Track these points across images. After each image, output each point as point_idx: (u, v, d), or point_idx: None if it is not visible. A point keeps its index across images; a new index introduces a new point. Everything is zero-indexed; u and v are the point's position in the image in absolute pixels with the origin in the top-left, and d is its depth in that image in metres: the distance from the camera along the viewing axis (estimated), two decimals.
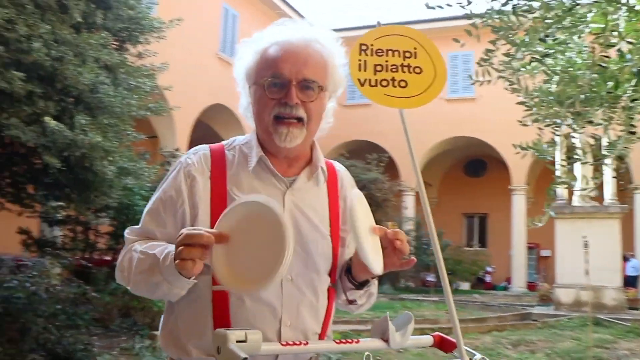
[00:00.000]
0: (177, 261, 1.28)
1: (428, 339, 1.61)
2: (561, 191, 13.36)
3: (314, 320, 1.55)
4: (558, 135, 3.47)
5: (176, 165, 1.60)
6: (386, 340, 1.47)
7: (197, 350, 1.48)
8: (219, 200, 1.49)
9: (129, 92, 7.64)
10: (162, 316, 1.60)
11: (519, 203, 19.84)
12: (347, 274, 1.62)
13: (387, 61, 1.79)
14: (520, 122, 3.20)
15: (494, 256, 22.22)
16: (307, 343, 1.38)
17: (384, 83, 1.77)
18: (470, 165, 24.61)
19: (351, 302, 1.66)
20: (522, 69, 2.92)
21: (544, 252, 21.25)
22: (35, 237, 8.99)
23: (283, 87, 1.51)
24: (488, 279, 21.85)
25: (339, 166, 1.77)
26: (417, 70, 1.80)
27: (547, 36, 2.86)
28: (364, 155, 19.86)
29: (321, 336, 1.58)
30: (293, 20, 1.63)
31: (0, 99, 6.18)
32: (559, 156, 3.29)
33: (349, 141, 22.34)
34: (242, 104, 1.65)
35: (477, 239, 24.28)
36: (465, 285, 20.79)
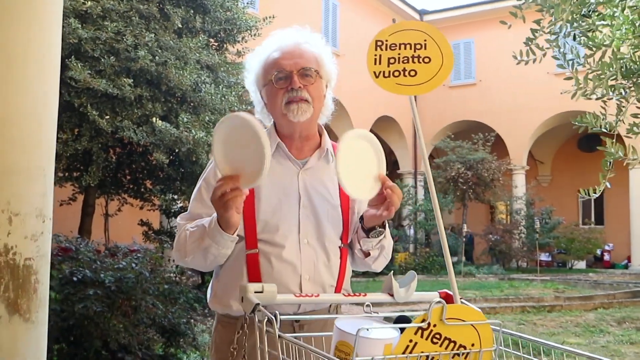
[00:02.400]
0: (222, 204, 1.62)
1: (434, 295, 1.82)
2: None
3: (329, 274, 1.87)
4: (624, 107, 3.51)
5: (212, 159, 1.95)
6: (391, 295, 1.73)
7: (237, 304, 1.81)
8: None
9: (228, 89, 8.18)
10: (210, 284, 1.98)
11: (638, 178, 18.79)
12: (361, 222, 1.88)
13: (399, 54, 2.03)
14: (576, 95, 3.27)
15: (613, 234, 21.16)
16: (317, 295, 1.68)
17: (396, 74, 2.01)
18: (584, 140, 23.52)
19: (366, 254, 1.92)
20: (567, 42, 3.02)
21: None
22: (154, 229, 9.87)
23: (287, 79, 1.85)
24: (607, 257, 20.89)
25: None
26: (426, 60, 2.02)
27: (589, 12, 2.94)
28: (470, 136, 19.58)
29: (337, 289, 1.89)
30: (285, 30, 1.96)
31: (114, 104, 6.92)
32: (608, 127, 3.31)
33: (454, 122, 22.07)
34: (257, 110, 2.00)
35: (593, 217, 23.23)
36: (580, 264, 20.00)
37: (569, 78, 3.08)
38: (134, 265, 4.07)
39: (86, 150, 7.19)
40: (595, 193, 3.24)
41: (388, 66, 2.03)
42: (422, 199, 21.60)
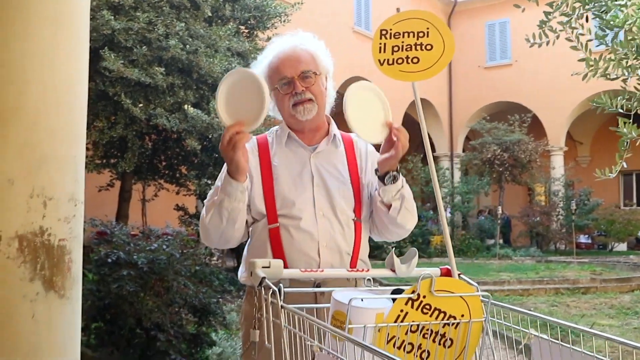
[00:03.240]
0: (230, 147, 1.83)
1: (435, 271, 1.92)
2: None
3: (345, 242, 2.04)
4: None
5: None
6: (393, 270, 1.83)
7: None
8: (266, 168, 2.08)
9: None
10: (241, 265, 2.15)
11: None
12: (376, 173, 2.05)
13: (403, 42, 2.12)
14: (587, 76, 3.29)
15: None
16: (322, 270, 1.81)
17: (400, 61, 2.10)
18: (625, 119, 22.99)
19: (388, 206, 2.04)
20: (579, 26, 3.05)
21: None
22: (190, 213, 10.12)
23: (290, 84, 2.06)
24: None
25: (353, 136, 2.22)
26: (429, 47, 2.10)
27: None
28: (506, 117, 19.37)
29: (353, 257, 2.04)
30: (281, 37, 2.18)
31: (147, 92, 7.12)
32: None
33: (489, 104, 21.81)
34: (270, 108, 2.13)
35: (635, 198, 22.75)
36: (621, 246, 19.64)
37: (582, 59, 3.11)
38: (165, 247, 4.26)
39: (122, 138, 7.43)
40: (611, 173, 3.26)
41: (392, 54, 2.12)
42: (458, 181, 21.50)
